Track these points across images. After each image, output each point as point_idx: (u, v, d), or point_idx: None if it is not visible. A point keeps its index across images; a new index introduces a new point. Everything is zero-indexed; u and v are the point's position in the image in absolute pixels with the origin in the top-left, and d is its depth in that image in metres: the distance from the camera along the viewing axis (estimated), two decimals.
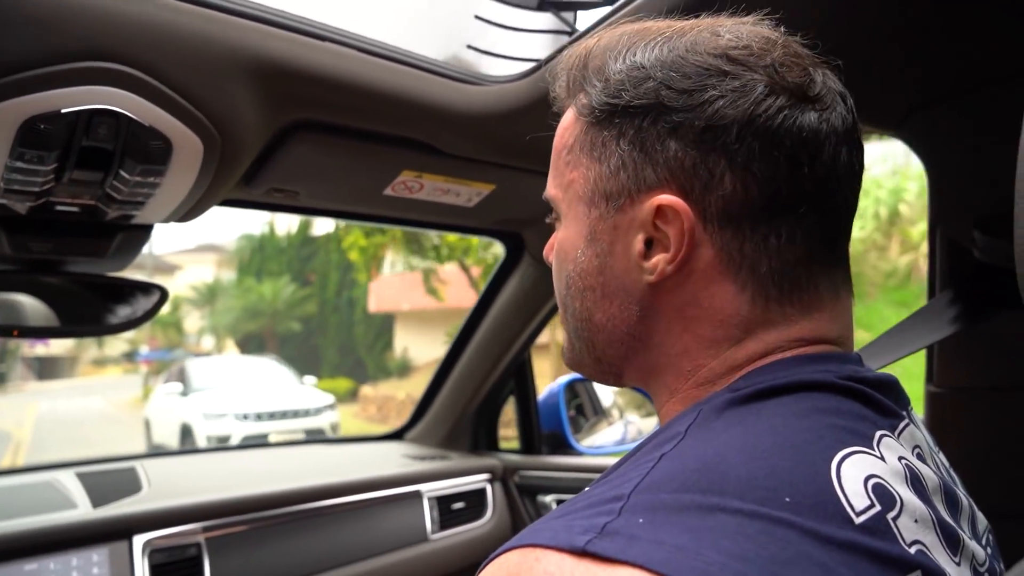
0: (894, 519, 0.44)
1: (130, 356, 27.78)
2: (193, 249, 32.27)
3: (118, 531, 1.25)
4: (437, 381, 2.02)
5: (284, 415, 11.23)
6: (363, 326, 20.44)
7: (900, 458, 0.49)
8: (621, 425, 2.09)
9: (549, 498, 1.86)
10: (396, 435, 2.17)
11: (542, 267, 1.70)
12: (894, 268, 10.24)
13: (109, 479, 1.46)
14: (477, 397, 1.97)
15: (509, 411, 2.10)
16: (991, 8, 0.83)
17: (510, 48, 1.16)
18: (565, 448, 1.94)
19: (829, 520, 0.41)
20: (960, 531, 0.50)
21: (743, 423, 0.48)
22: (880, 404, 0.52)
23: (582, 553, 0.41)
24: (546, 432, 2.00)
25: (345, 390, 17.32)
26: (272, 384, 12.69)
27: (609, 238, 0.58)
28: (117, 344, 27.84)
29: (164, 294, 1.28)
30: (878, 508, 0.43)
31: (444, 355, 1.99)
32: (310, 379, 14.44)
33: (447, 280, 11.71)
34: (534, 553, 0.43)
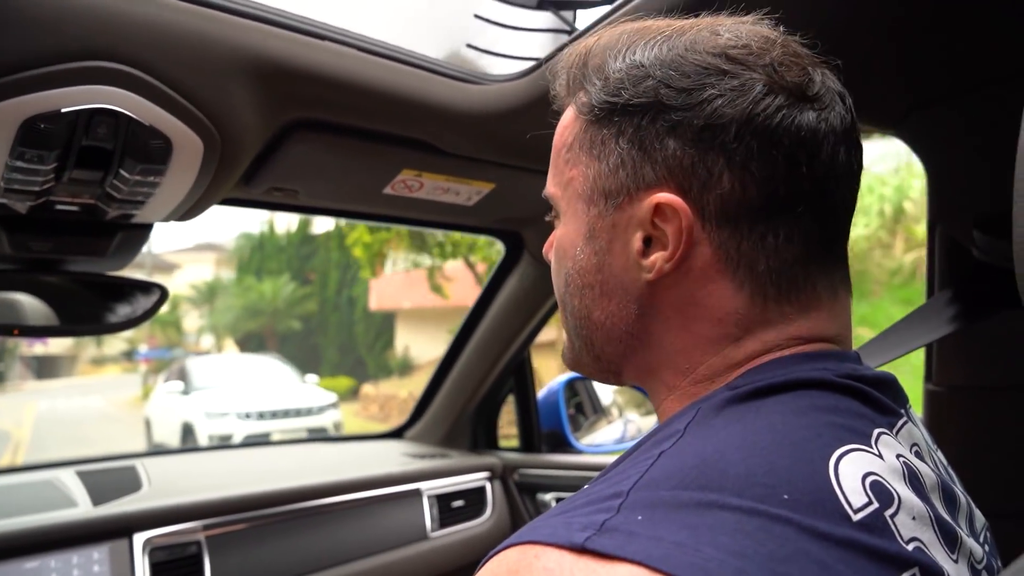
0: (892, 516, 0.44)
1: (129, 355, 27.77)
2: (192, 248, 32.28)
3: (118, 529, 1.26)
4: (437, 380, 2.02)
5: (287, 414, 11.18)
6: (363, 324, 20.39)
7: (898, 456, 0.49)
8: (620, 423, 2.10)
9: (549, 496, 1.87)
10: (396, 433, 2.17)
11: (541, 266, 1.70)
12: (899, 266, 10.17)
13: (109, 477, 1.46)
14: (477, 396, 1.98)
15: (509, 410, 2.10)
16: (991, 8, 0.83)
17: (510, 47, 1.16)
18: (564, 446, 1.95)
19: (827, 517, 0.42)
20: (958, 529, 0.50)
21: (742, 421, 0.48)
22: (878, 402, 0.52)
23: (581, 550, 0.41)
24: (546, 430, 2.00)
25: (346, 389, 17.29)
26: (274, 383, 12.60)
27: (608, 236, 0.58)
28: (116, 343, 27.84)
29: (164, 293, 1.28)
30: (876, 506, 0.44)
31: (444, 354, 2.00)
32: (312, 377, 14.36)
33: (451, 277, 11.63)
34: (533, 550, 0.43)
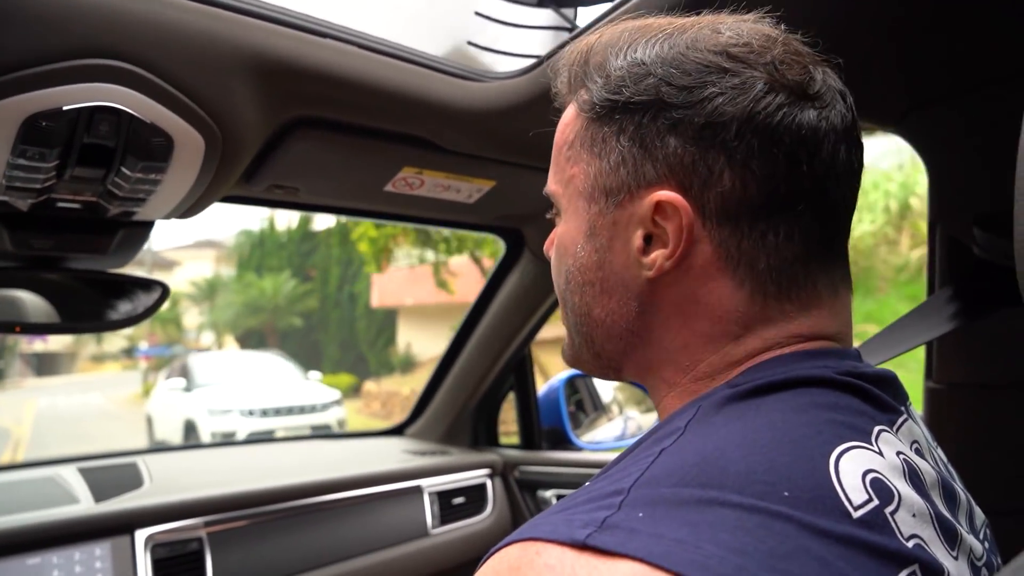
0: (892, 513, 0.44)
1: (129, 352, 27.77)
2: (191, 245, 32.25)
3: (120, 526, 1.26)
4: (437, 377, 2.03)
5: (290, 411, 11.09)
6: (365, 321, 20.33)
7: (898, 453, 0.49)
8: (620, 421, 2.10)
9: (549, 493, 1.87)
10: (396, 430, 2.17)
11: (542, 263, 1.70)
12: (905, 262, 10.05)
13: (111, 474, 1.47)
14: (477, 393, 1.98)
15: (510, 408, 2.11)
16: (991, 7, 0.83)
17: (511, 44, 1.16)
18: (565, 444, 1.95)
19: (827, 514, 0.42)
20: (958, 526, 0.50)
21: (742, 418, 0.48)
22: (878, 399, 0.52)
23: (582, 546, 0.41)
24: (546, 428, 2.00)
25: (347, 386, 17.21)
26: (277, 380, 12.51)
27: (608, 233, 0.58)
28: (116, 340, 27.84)
29: (165, 290, 1.28)
30: (876, 503, 0.44)
31: (444, 351, 2.00)
32: (315, 374, 14.26)
33: (457, 272, 11.53)
34: (535, 546, 0.43)
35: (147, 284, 1.29)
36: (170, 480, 1.47)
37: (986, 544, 0.57)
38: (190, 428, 11.01)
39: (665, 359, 0.58)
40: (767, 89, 0.52)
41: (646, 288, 0.57)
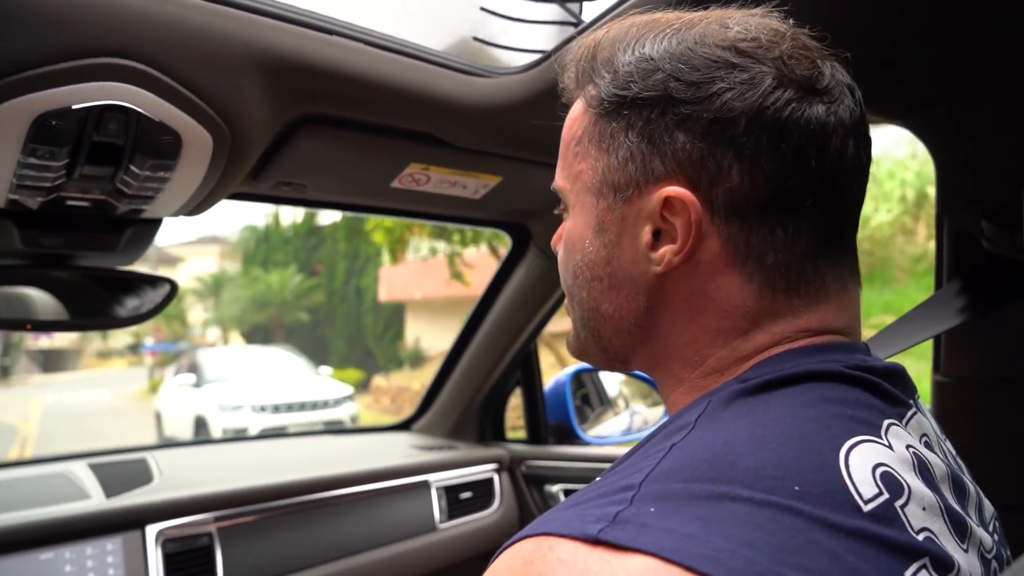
0: (902, 507, 0.44)
1: (134, 348, 27.81)
2: (195, 241, 32.27)
3: (131, 521, 1.27)
4: (444, 372, 2.03)
5: (302, 407, 10.94)
6: (372, 316, 20.24)
7: (908, 446, 0.49)
8: (627, 415, 2.10)
9: (556, 488, 1.87)
10: (403, 426, 2.18)
11: (548, 258, 1.71)
12: (923, 252, 9.90)
13: (121, 470, 1.47)
14: (484, 388, 1.98)
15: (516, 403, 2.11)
16: (999, 2, 0.83)
17: (516, 40, 1.16)
18: (571, 438, 1.95)
19: (837, 508, 0.42)
20: (968, 518, 0.50)
21: (751, 413, 0.49)
22: (888, 393, 0.52)
23: (595, 541, 0.42)
24: (552, 422, 2.01)
25: (355, 381, 17.07)
26: (288, 375, 12.37)
27: (617, 229, 0.58)
28: (122, 336, 27.88)
29: (174, 287, 1.29)
30: (886, 496, 0.44)
31: (451, 346, 2.00)
32: (326, 369, 14.10)
33: (472, 264, 11.37)
34: (547, 541, 0.44)
35: (155, 281, 1.29)
36: (179, 476, 1.48)
37: (995, 537, 0.57)
38: (200, 424, 10.87)
39: (673, 354, 0.59)
40: (776, 84, 0.52)
41: (654, 283, 0.57)
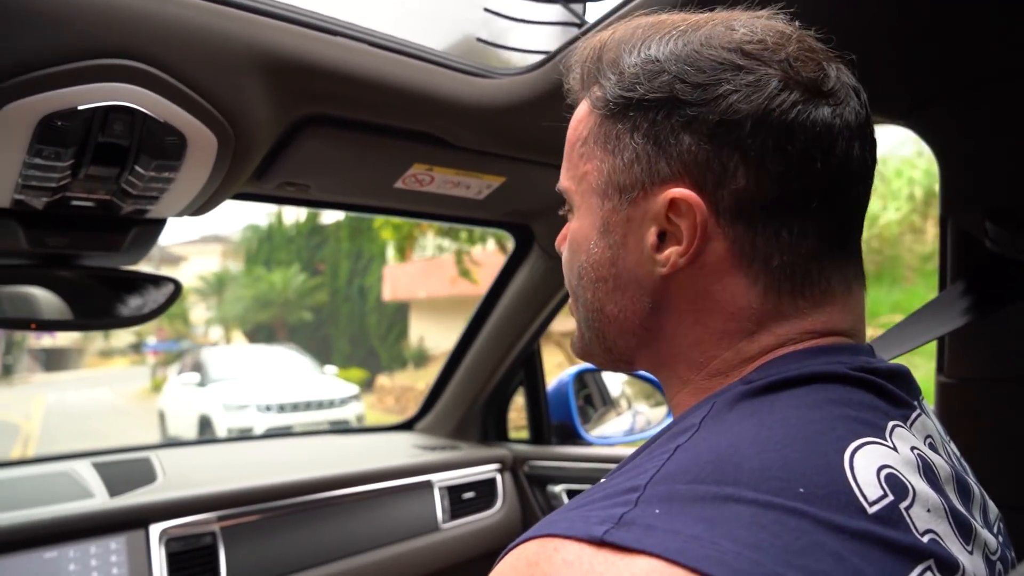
0: (907, 509, 0.44)
1: (137, 347, 27.85)
2: (198, 240, 32.30)
3: (135, 520, 1.27)
4: (447, 372, 2.03)
5: (308, 406, 10.81)
6: (376, 315, 20.17)
7: (912, 448, 0.49)
8: (630, 415, 2.10)
9: (559, 488, 1.87)
10: (406, 425, 2.18)
11: (551, 259, 1.71)
12: (932, 250, 9.55)
13: (124, 469, 1.48)
14: (487, 388, 1.98)
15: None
16: (1005, 1, 0.83)
17: (520, 40, 1.16)
18: (574, 438, 1.95)
19: (842, 510, 0.42)
20: (972, 520, 0.50)
21: (756, 415, 0.49)
22: (892, 395, 0.52)
23: (600, 543, 0.42)
24: (555, 422, 2.01)
25: (359, 380, 16.96)
26: (294, 374, 12.26)
27: (622, 230, 0.58)
28: (124, 335, 27.89)
29: (178, 287, 1.30)
30: (891, 498, 0.44)
31: (454, 346, 2.00)
32: (331, 369, 13.97)
33: (480, 262, 11.25)
34: (552, 543, 0.44)
35: (160, 281, 1.30)
36: (182, 475, 1.48)
37: (1000, 539, 0.57)
38: (205, 423, 10.75)
39: (678, 355, 0.59)
40: (781, 86, 0.52)
41: (659, 285, 0.57)
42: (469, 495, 1.81)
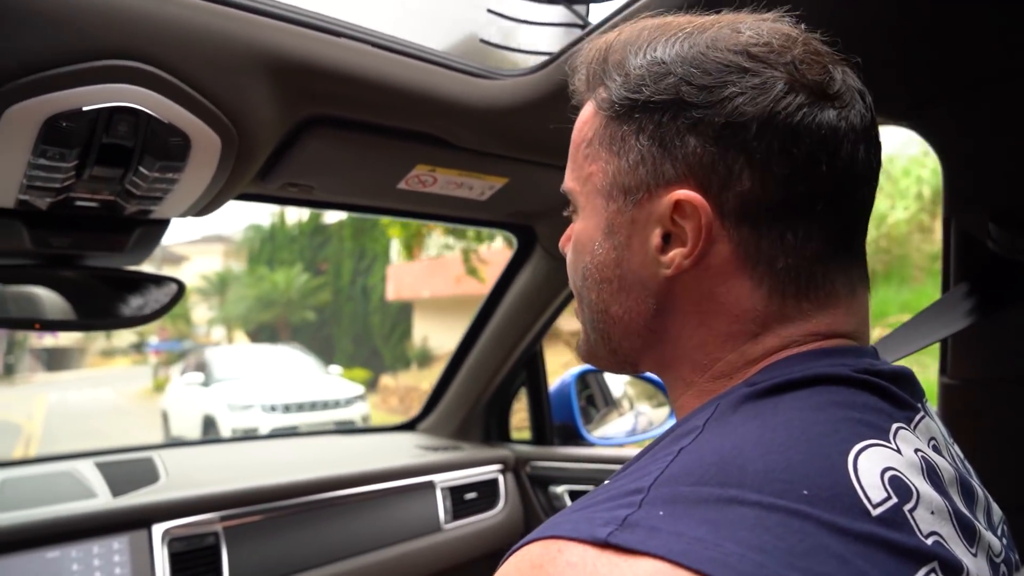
0: (911, 511, 0.44)
1: (138, 347, 27.86)
2: (199, 240, 32.31)
3: (137, 520, 1.27)
4: (449, 372, 2.03)
5: (313, 407, 10.67)
6: (379, 315, 20.08)
7: (916, 450, 0.49)
8: (632, 416, 2.10)
9: (561, 489, 1.87)
10: (408, 426, 2.18)
11: (554, 260, 1.71)
12: (941, 250, 9.71)
13: (127, 469, 1.48)
14: (489, 388, 1.99)
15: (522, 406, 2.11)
16: (1007, 1, 0.83)
17: (523, 41, 1.16)
18: (576, 439, 1.95)
19: (846, 512, 0.42)
20: (976, 522, 0.50)
21: (759, 417, 0.49)
22: (896, 397, 0.52)
23: (604, 544, 0.42)
24: (557, 423, 2.01)
25: (363, 380, 16.81)
26: (298, 374, 12.09)
27: (627, 232, 0.58)
28: (126, 335, 27.87)
29: (181, 287, 1.30)
30: (895, 500, 0.44)
31: (456, 347, 2.00)
32: (336, 368, 13.85)
33: (487, 260, 11.15)
34: (556, 544, 0.44)
35: (163, 281, 1.30)
36: (185, 475, 1.48)
37: (1004, 540, 0.57)
38: (209, 423, 10.60)
39: (683, 357, 0.59)
40: (787, 89, 0.52)
41: (664, 286, 0.57)
42: (471, 496, 1.81)
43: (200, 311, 26.87)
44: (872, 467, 0.45)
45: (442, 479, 1.75)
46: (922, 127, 1.12)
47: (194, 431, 10.93)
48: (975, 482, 0.58)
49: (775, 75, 0.53)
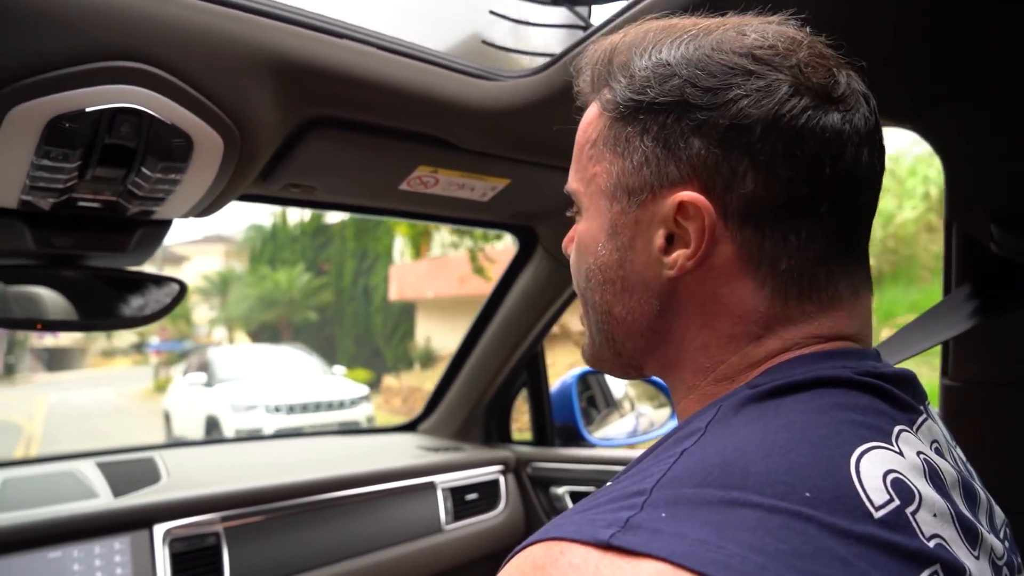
0: (913, 513, 0.44)
1: (139, 347, 27.87)
2: (200, 240, 32.33)
3: (139, 520, 1.27)
4: (450, 373, 2.03)
5: (317, 407, 10.59)
6: (381, 315, 20.03)
7: (918, 453, 0.49)
8: (633, 417, 2.10)
9: (562, 490, 1.87)
10: (409, 426, 2.19)
11: (555, 261, 1.71)
12: None
13: (128, 469, 1.48)
14: (490, 389, 1.99)
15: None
16: (1010, 2, 0.83)
17: (525, 43, 1.16)
18: (577, 440, 1.95)
19: (848, 515, 0.42)
20: (978, 525, 0.50)
21: (761, 419, 0.49)
22: (898, 399, 0.52)
23: (606, 546, 0.42)
24: (558, 424, 2.01)
25: (365, 381, 16.71)
26: (302, 375, 12.05)
27: (630, 232, 0.59)
28: (127, 335, 27.89)
29: (183, 288, 1.30)
30: (897, 503, 0.44)
31: (458, 347, 2.00)
32: (339, 369, 13.79)
33: (494, 258, 11.07)
34: (558, 546, 0.44)
35: (164, 281, 1.30)
36: (186, 475, 1.48)
37: (1006, 543, 0.57)
38: (212, 424, 10.54)
39: (685, 359, 0.59)
40: (792, 92, 0.52)
41: (667, 287, 0.57)
42: (472, 496, 1.81)
43: (201, 311, 26.86)
44: (874, 469, 0.45)
45: (443, 480, 1.75)
46: (924, 128, 1.12)
47: (197, 432, 10.85)
48: (977, 484, 0.58)
49: (780, 78, 0.53)
